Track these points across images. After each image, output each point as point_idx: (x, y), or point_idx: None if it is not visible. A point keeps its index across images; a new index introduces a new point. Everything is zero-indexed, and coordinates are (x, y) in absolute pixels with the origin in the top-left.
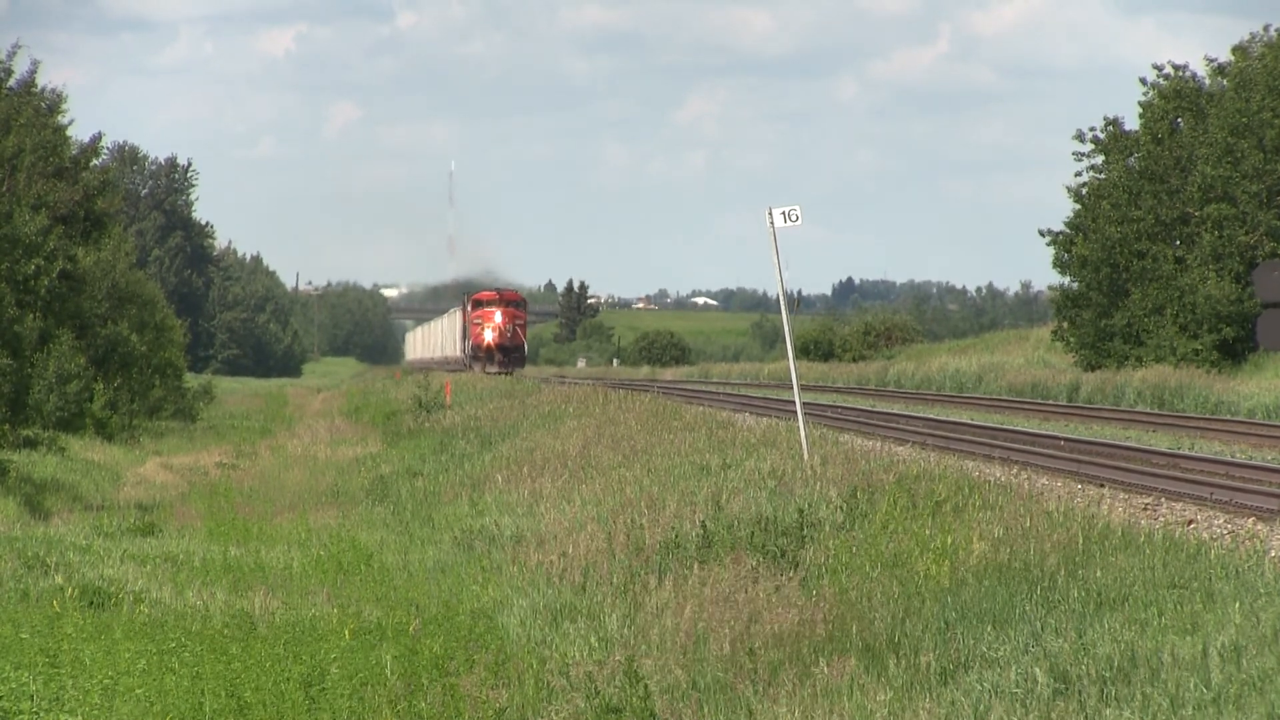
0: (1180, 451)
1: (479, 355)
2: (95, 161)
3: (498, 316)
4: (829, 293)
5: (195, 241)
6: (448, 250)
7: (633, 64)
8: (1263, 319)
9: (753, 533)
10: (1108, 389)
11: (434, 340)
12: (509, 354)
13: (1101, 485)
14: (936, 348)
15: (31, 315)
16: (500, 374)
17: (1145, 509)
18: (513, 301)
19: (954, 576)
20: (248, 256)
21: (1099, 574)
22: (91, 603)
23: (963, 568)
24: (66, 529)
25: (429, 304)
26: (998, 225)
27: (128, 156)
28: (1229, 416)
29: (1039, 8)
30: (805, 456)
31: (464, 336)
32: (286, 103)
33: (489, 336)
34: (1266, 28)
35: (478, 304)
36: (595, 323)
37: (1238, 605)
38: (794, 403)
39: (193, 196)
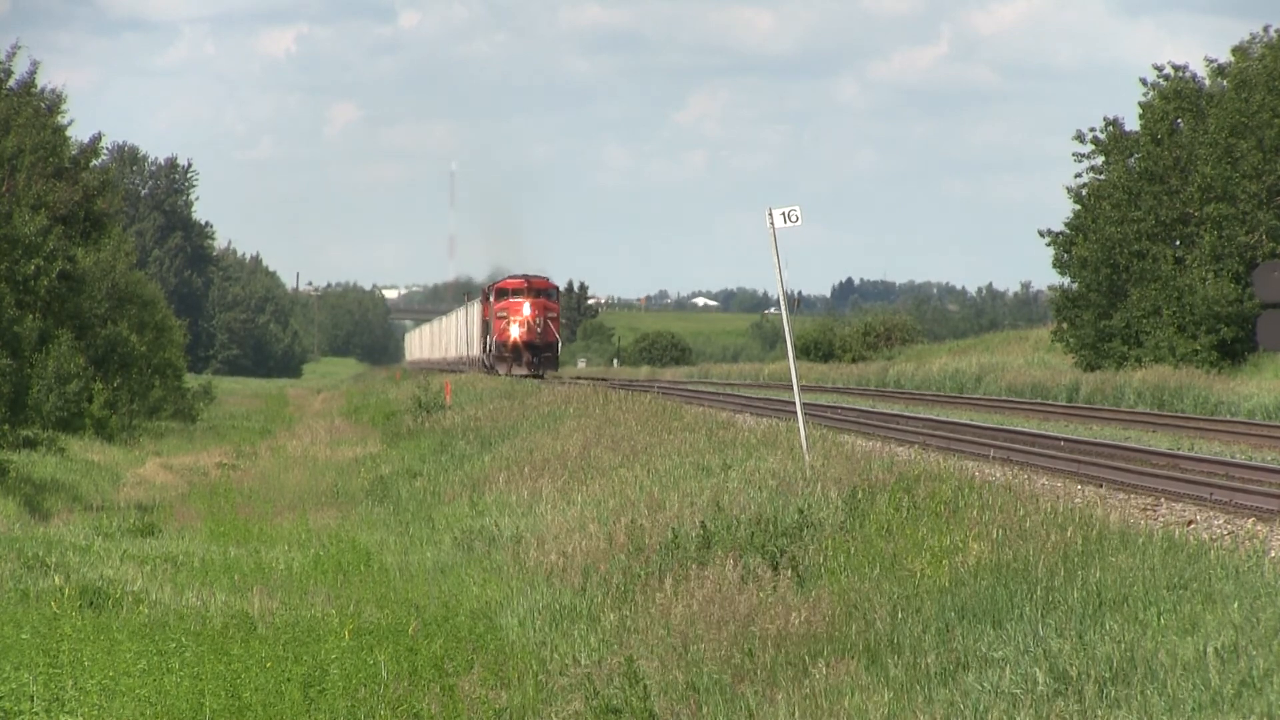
0: (1180, 452)
1: (504, 355)
2: (95, 162)
3: (526, 309)
4: (829, 293)
5: (195, 242)
6: (448, 250)
7: (633, 64)
8: (1263, 319)
9: (753, 533)
10: (1107, 389)
11: (444, 338)
12: (539, 353)
13: (1101, 486)
14: (936, 348)
15: (31, 315)
16: (530, 377)
17: (1145, 509)
18: (543, 290)
19: (953, 577)
20: (248, 256)
21: (1098, 574)
22: (91, 603)
23: (962, 568)
24: (66, 529)
25: (429, 304)
26: (998, 225)
27: (127, 157)
28: (1229, 417)
29: (1039, 8)
30: (805, 457)
31: (485, 333)
32: (287, 103)
33: (515, 332)
34: (1266, 28)
35: (501, 294)
36: (595, 323)
37: (1237, 606)
38: (794, 403)
39: (193, 197)
